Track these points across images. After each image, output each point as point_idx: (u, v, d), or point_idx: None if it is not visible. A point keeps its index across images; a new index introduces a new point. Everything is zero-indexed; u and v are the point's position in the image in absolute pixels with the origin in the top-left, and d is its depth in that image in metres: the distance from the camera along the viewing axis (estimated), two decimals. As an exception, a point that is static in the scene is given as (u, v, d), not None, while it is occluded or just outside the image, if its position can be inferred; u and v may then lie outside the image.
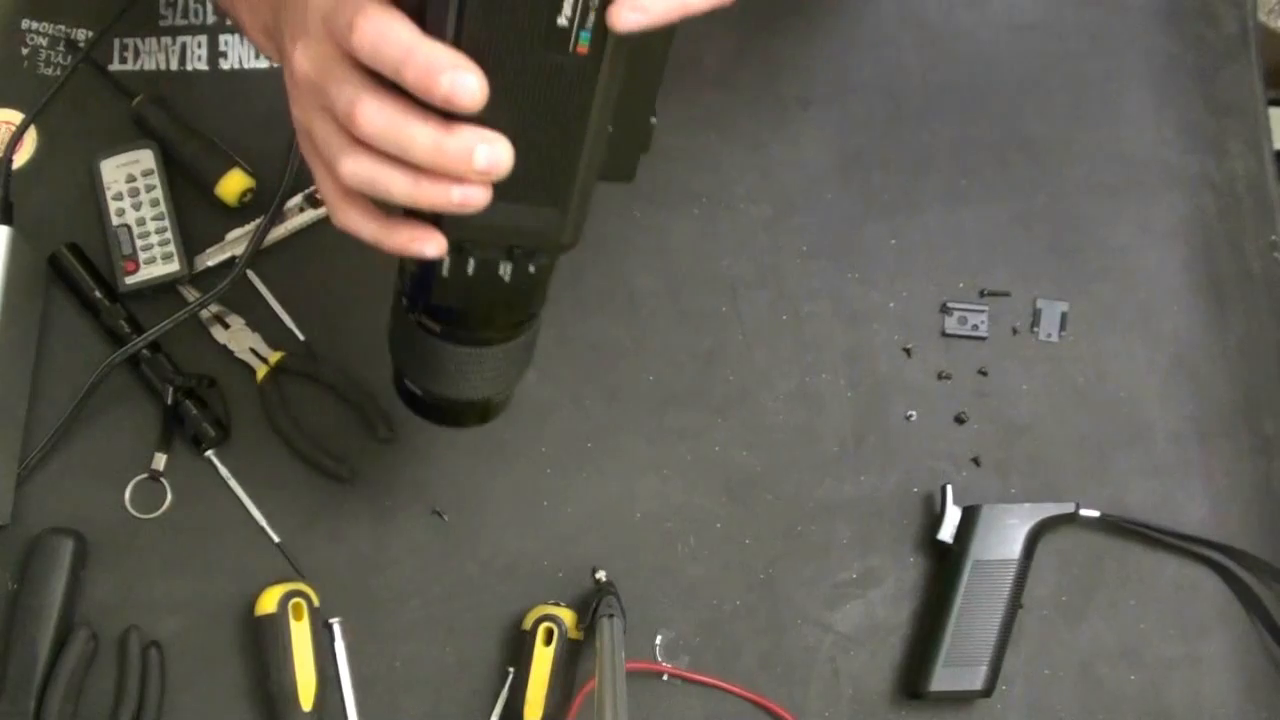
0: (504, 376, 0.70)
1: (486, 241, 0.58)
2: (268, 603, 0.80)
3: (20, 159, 0.88)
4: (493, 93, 0.49)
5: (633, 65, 0.53)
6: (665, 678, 0.83)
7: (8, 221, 0.82)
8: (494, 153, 0.51)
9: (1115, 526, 0.87)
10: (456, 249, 0.58)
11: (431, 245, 0.55)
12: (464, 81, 0.48)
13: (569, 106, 0.52)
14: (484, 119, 0.50)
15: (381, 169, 0.52)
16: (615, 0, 0.48)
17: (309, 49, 0.53)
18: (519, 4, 0.48)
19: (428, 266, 0.60)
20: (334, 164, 0.53)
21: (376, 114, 0.51)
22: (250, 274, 0.87)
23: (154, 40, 0.91)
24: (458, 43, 0.49)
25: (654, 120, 0.58)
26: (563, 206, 0.56)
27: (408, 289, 0.65)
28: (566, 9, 0.48)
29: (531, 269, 0.60)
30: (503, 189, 0.53)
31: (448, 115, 0.50)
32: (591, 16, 0.48)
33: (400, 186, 0.52)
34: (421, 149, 0.51)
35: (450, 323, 0.65)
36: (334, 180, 0.55)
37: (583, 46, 0.49)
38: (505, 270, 0.60)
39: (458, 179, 0.52)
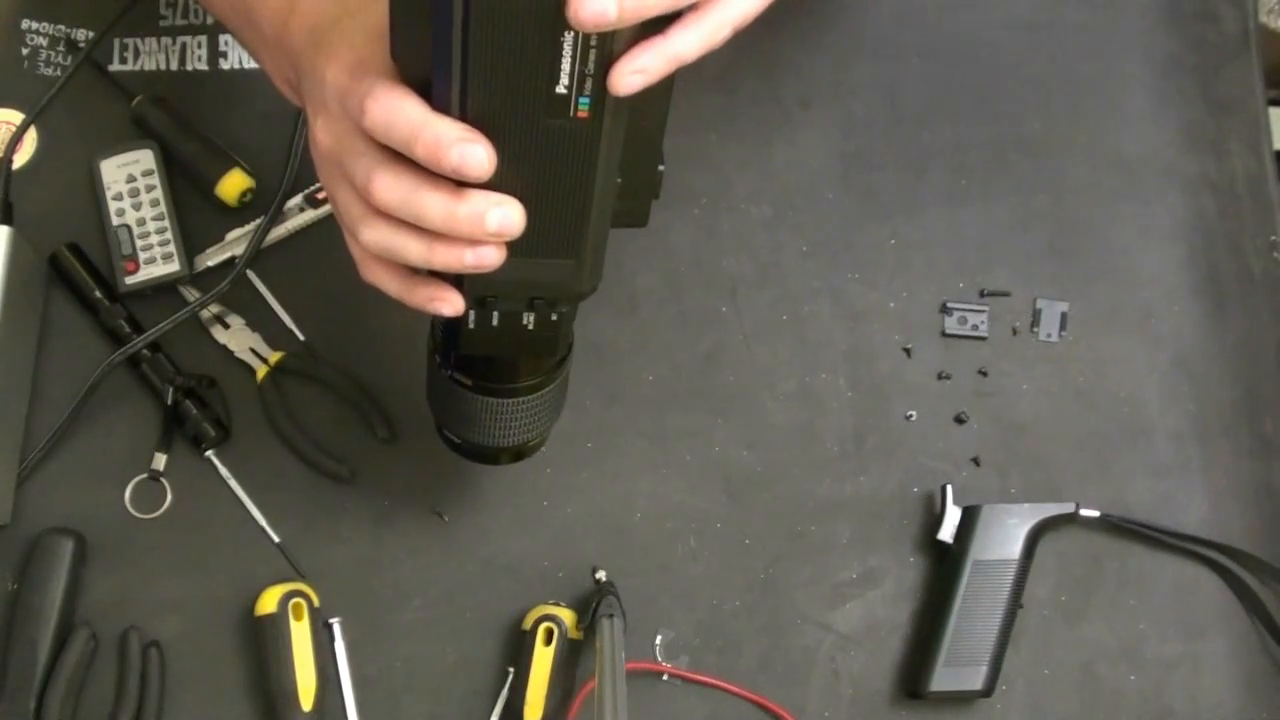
0: (538, 422, 0.72)
1: (507, 295, 0.60)
2: (268, 603, 0.80)
3: (20, 159, 0.88)
4: (500, 159, 0.51)
5: (635, 117, 0.54)
6: (665, 678, 0.83)
7: (8, 221, 0.83)
8: (505, 215, 0.53)
9: (1115, 526, 0.87)
10: (480, 303, 0.60)
11: (449, 305, 0.58)
12: (472, 153, 0.51)
13: (575, 166, 0.54)
14: (494, 184, 0.52)
15: (398, 236, 0.55)
16: (614, 67, 0.49)
17: (328, 125, 0.55)
18: (518, 77, 0.49)
19: (454, 321, 0.61)
20: (355, 231, 0.56)
21: (391, 187, 0.53)
22: (250, 274, 0.87)
23: (154, 40, 0.91)
24: (463, 115, 0.50)
25: (661, 168, 0.59)
26: (579, 258, 0.58)
27: (439, 344, 0.68)
28: (564, 80, 0.50)
29: (554, 317, 0.62)
30: (518, 246, 0.55)
31: (459, 183, 0.52)
32: (589, 84, 0.50)
33: (416, 252, 0.55)
34: (435, 216, 0.53)
35: (481, 375, 0.68)
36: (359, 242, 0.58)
37: (583, 111, 0.51)
38: (529, 320, 0.62)
39: (472, 242, 0.54)
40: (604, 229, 0.58)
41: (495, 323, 0.61)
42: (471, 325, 0.61)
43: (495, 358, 0.67)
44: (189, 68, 0.91)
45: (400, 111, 0.51)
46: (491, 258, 0.55)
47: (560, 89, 0.50)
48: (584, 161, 0.54)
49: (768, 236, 0.91)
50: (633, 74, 0.50)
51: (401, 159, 0.53)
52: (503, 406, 0.69)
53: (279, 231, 0.87)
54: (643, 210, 0.60)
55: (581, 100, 0.51)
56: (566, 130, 0.52)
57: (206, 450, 0.84)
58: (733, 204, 0.91)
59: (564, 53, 0.49)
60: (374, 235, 0.56)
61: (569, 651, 0.81)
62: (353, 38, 0.55)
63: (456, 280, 0.58)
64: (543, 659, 0.80)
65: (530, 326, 0.62)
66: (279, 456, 0.85)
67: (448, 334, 0.65)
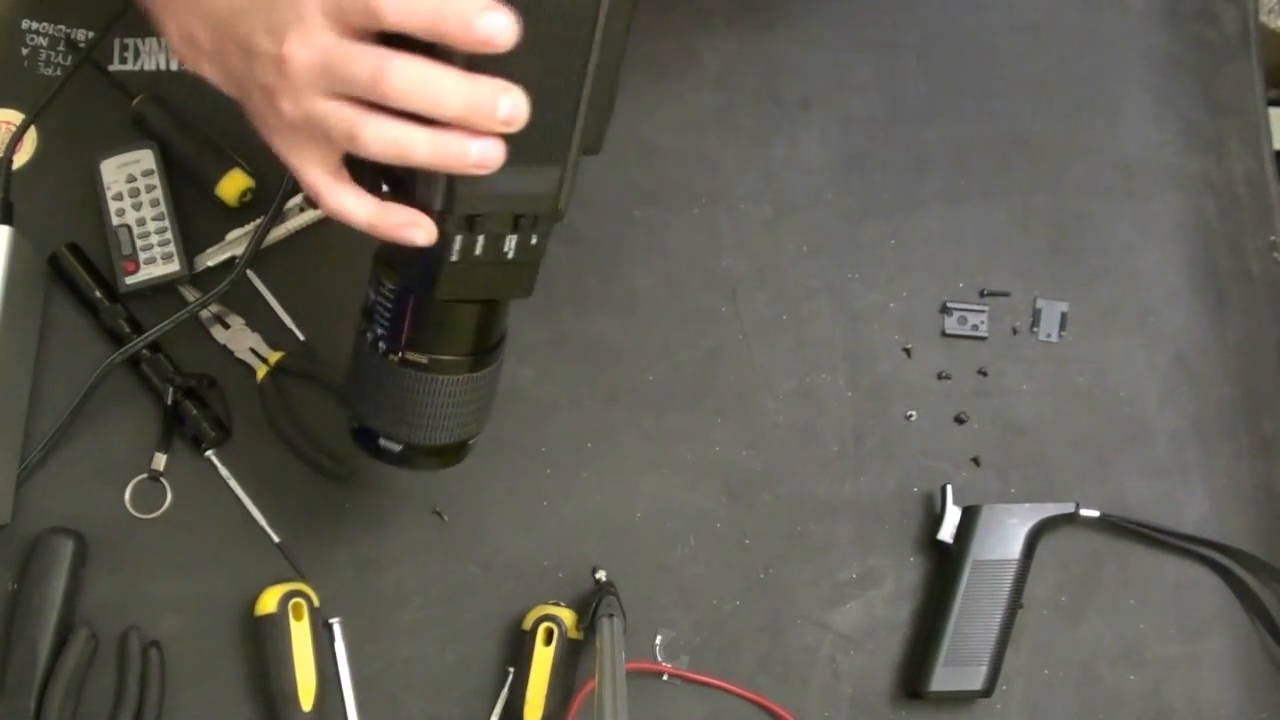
0: (487, 406, 0.71)
1: (496, 210, 0.59)
2: (268, 603, 0.80)
3: (20, 159, 0.88)
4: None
5: (607, 28, 0.56)
6: (665, 678, 0.83)
7: (8, 221, 0.83)
8: (514, 102, 0.54)
9: (1115, 526, 0.87)
10: (468, 225, 0.59)
11: (423, 232, 0.58)
12: (499, 21, 0.52)
13: (572, 53, 0.55)
14: (500, 72, 0.54)
15: (406, 130, 0.55)
16: None
17: (309, 37, 0.55)
18: None
19: (431, 263, 0.61)
20: (354, 137, 0.55)
21: (408, 70, 0.53)
22: (250, 274, 0.87)
23: (154, 40, 0.91)
24: None
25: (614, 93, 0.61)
26: (563, 164, 0.59)
27: (390, 322, 0.66)
28: None
29: (533, 240, 0.62)
30: (511, 151, 0.56)
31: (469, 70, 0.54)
32: None
33: (424, 146, 0.55)
34: (452, 100, 0.54)
35: (441, 348, 0.66)
36: (326, 166, 0.58)
37: None
38: (510, 247, 0.61)
39: (479, 133, 0.55)
40: (580, 142, 0.59)
41: (479, 251, 0.60)
42: (455, 256, 0.60)
43: (453, 325, 0.65)
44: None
45: None
46: (494, 154, 0.55)
47: None
48: (581, 46, 0.55)
49: (768, 236, 0.91)
50: None
51: (404, 49, 0.53)
52: (460, 385, 0.67)
53: (279, 231, 0.87)
54: (599, 135, 0.61)
55: None
56: (572, 10, 0.53)
57: (206, 450, 0.84)
58: (733, 204, 0.91)
59: None
60: (380, 131, 0.55)
61: (569, 651, 0.81)
62: None
63: (446, 200, 0.58)
64: (543, 659, 0.80)
65: (511, 255, 0.62)
66: (279, 456, 0.85)
67: (423, 279, 0.63)
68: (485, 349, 0.68)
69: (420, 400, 0.67)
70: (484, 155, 0.55)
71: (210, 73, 0.62)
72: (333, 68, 0.55)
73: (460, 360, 0.67)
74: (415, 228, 0.58)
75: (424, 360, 0.66)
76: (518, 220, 0.61)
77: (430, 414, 0.68)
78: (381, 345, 0.66)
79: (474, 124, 0.54)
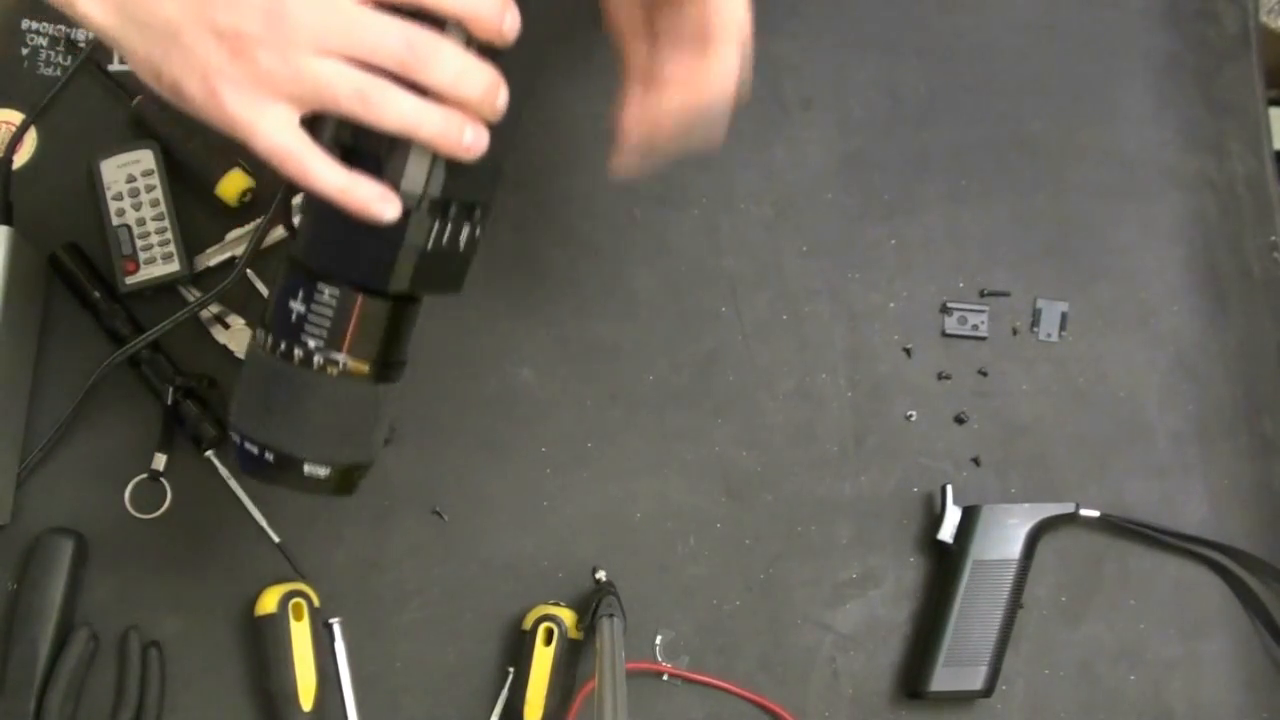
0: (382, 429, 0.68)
1: (462, 197, 0.60)
2: (268, 603, 0.80)
3: (20, 159, 0.88)
4: None
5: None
6: (665, 678, 0.83)
7: (8, 221, 0.82)
8: (505, 92, 0.57)
9: (1115, 526, 0.87)
10: (442, 209, 0.60)
11: (391, 206, 0.57)
12: (515, 18, 0.55)
13: (533, 58, 0.58)
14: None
15: (421, 103, 0.56)
16: None
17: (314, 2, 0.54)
18: None
19: (385, 253, 0.60)
20: (369, 102, 0.55)
21: (446, 49, 0.55)
22: (250, 274, 0.87)
23: (154, 40, 0.91)
24: None
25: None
26: (508, 154, 0.61)
27: (329, 333, 0.62)
28: None
29: (477, 233, 0.63)
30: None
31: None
32: None
33: (433, 123, 0.56)
34: (474, 81, 0.56)
35: (391, 344, 0.64)
36: (292, 127, 0.56)
37: None
38: (464, 236, 0.62)
39: (475, 116, 0.56)
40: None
41: (444, 240, 0.60)
42: (423, 242, 0.60)
43: (399, 327, 0.64)
44: (189, 68, 0.91)
45: None
46: (483, 140, 0.57)
47: None
48: (535, 51, 0.58)
49: (768, 236, 0.91)
50: None
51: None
52: (394, 394, 0.65)
53: (279, 231, 0.87)
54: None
55: None
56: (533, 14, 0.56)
57: (206, 450, 0.84)
58: (733, 204, 0.91)
59: None
60: (401, 101, 0.55)
61: (569, 651, 0.81)
62: None
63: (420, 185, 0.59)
64: (543, 659, 0.80)
65: (462, 247, 0.62)
66: (279, 456, 0.85)
67: (371, 276, 0.61)
68: (402, 360, 0.67)
69: (364, 414, 0.65)
70: (476, 140, 0.56)
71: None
72: (354, 31, 0.54)
73: (394, 368, 0.65)
74: (385, 203, 0.57)
75: (365, 369, 0.63)
76: (472, 210, 0.61)
77: (371, 427, 0.66)
78: (317, 359, 0.62)
79: (479, 108, 0.55)
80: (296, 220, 0.66)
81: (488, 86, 0.56)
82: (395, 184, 0.58)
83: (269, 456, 0.64)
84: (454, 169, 0.59)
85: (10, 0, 0.91)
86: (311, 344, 0.62)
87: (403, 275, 0.61)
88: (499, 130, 0.59)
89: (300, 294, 0.62)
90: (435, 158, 0.59)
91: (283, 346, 0.63)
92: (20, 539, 0.81)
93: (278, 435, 0.64)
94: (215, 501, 0.84)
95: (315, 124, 0.58)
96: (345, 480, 0.66)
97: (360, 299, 0.62)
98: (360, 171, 0.58)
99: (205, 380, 0.85)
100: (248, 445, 0.64)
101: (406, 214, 0.59)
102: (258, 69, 0.55)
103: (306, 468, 0.64)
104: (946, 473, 0.87)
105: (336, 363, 0.62)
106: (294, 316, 0.62)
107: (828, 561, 0.86)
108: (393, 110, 0.55)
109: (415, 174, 0.59)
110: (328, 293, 0.62)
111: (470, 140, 0.56)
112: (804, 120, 0.93)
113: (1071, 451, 0.89)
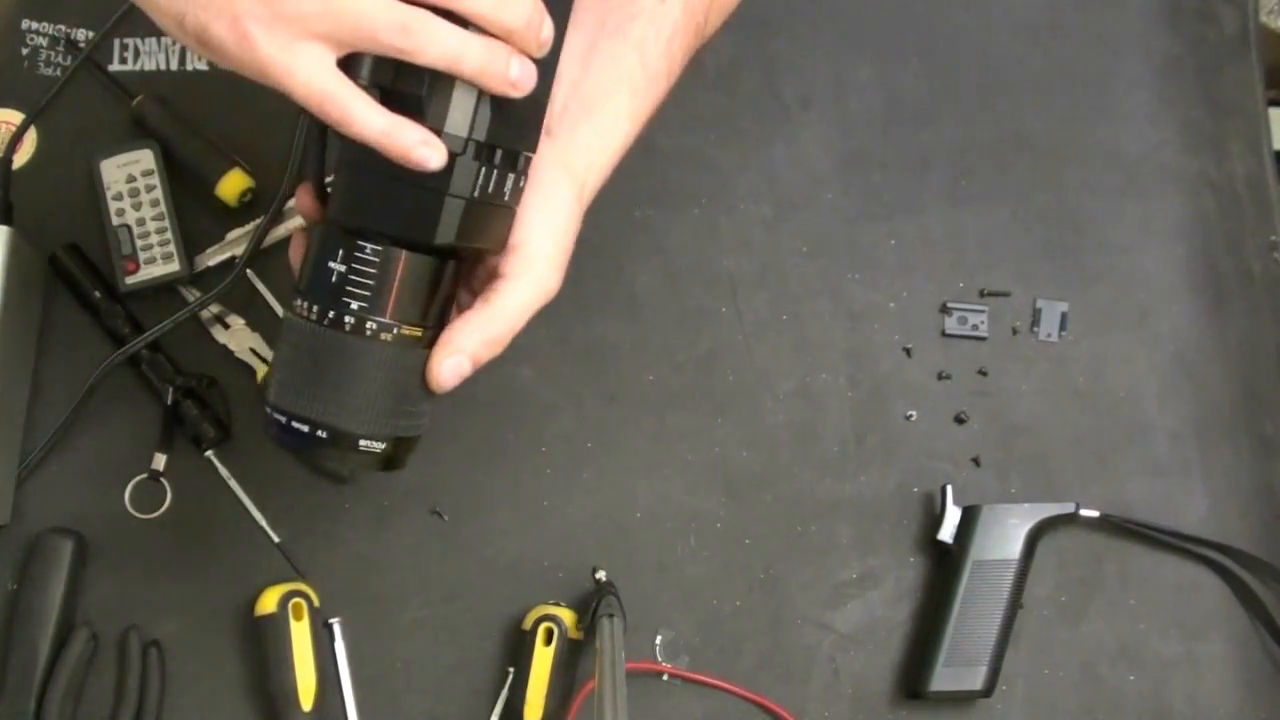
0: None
1: (507, 144, 0.58)
2: (268, 603, 0.80)
3: (20, 159, 0.88)
4: None
5: None
6: (665, 678, 0.83)
7: (8, 221, 0.82)
8: (550, 26, 0.55)
9: (1115, 526, 0.87)
10: (487, 156, 0.57)
11: (437, 154, 0.55)
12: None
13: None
14: None
15: (464, 35, 0.53)
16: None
17: None
18: None
19: (428, 204, 0.57)
20: (410, 34, 0.53)
21: None
22: (250, 274, 0.87)
23: (154, 40, 0.91)
24: None
25: None
26: (548, 105, 0.59)
27: (373, 294, 0.59)
28: None
29: (521, 184, 0.60)
30: None
31: None
32: None
33: (476, 56, 0.54)
34: (517, 9, 0.54)
35: (437, 306, 0.61)
36: (330, 69, 0.53)
37: None
38: (508, 186, 0.59)
39: (520, 48, 0.55)
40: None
41: (490, 188, 0.58)
42: (470, 190, 0.57)
43: (444, 286, 0.61)
44: (189, 68, 0.91)
45: None
46: (530, 76, 0.55)
47: None
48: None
49: (768, 236, 0.91)
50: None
51: None
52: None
53: (279, 231, 0.87)
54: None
55: None
56: None
57: (206, 450, 0.84)
58: (733, 204, 0.91)
59: None
60: (444, 34, 0.53)
61: (569, 651, 0.81)
62: None
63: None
64: (543, 659, 0.80)
65: (506, 198, 0.59)
66: (279, 457, 0.85)
67: (416, 227, 0.58)
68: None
69: (419, 382, 0.61)
70: (522, 74, 0.54)
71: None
72: None
73: (436, 329, 0.62)
74: (429, 148, 0.54)
75: (418, 334, 0.60)
76: (516, 159, 0.59)
77: (425, 395, 0.62)
78: (369, 325, 0.59)
79: (523, 40, 0.53)
80: (329, 184, 0.63)
81: (531, 14, 0.53)
82: (438, 127, 0.55)
83: (321, 434, 0.60)
84: (499, 110, 0.56)
85: (10, 0, 0.91)
86: (355, 305, 0.59)
87: (448, 227, 0.57)
88: (542, 69, 0.56)
89: (340, 254, 0.59)
90: (480, 97, 0.56)
91: (330, 315, 0.59)
92: (20, 539, 0.81)
93: (330, 409, 0.60)
94: (215, 501, 0.84)
95: (350, 66, 0.55)
96: (399, 454, 0.64)
97: (404, 256, 0.59)
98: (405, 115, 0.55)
99: (205, 380, 0.85)
100: (295, 424, 0.61)
101: (451, 160, 0.56)
102: (289, 7, 0.52)
103: (362, 443, 0.61)
104: (946, 473, 0.87)
105: (390, 328, 0.59)
106: (334, 278, 0.59)
107: (827, 561, 0.86)
108: (435, 42, 0.52)
109: (459, 116, 0.56)
110: (369, 249, 0.59)
111: (516, 74, 0.53)
112: (803, 120, 0.93)
113: (1071, 451, 0.89)
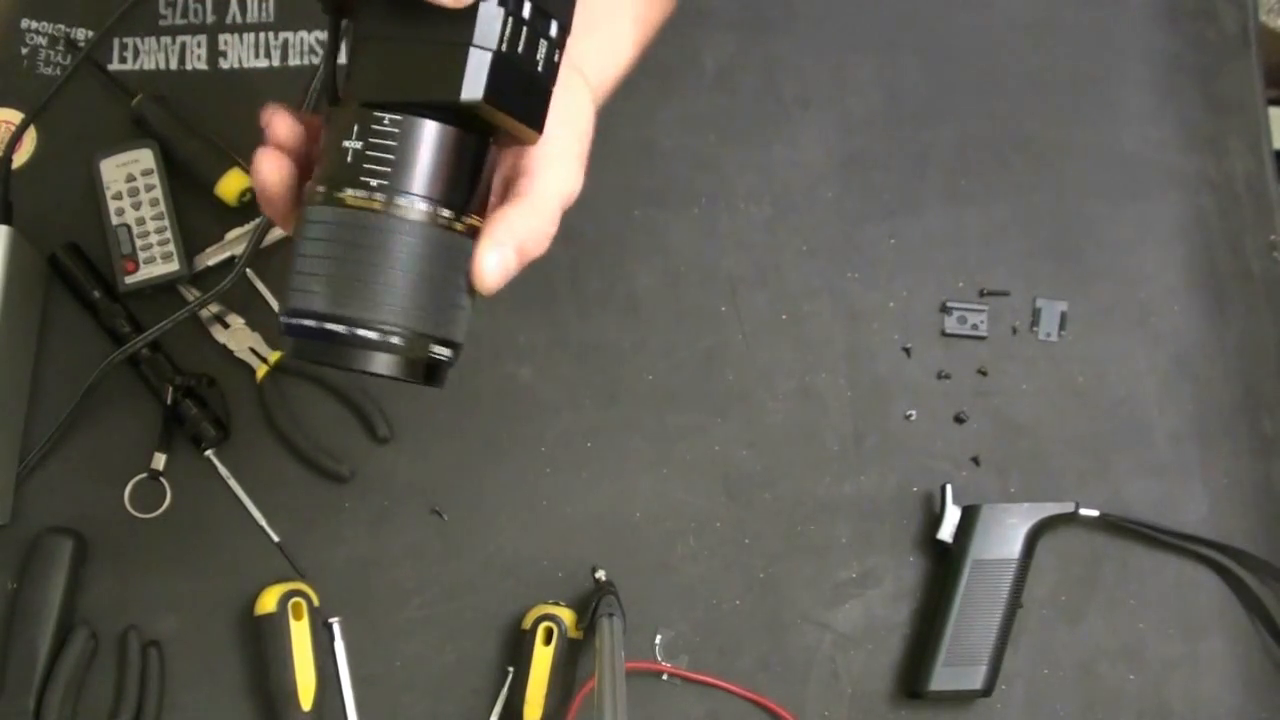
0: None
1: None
2: (268, 602, 0.80)
3: (20, 159, 0.88)
4: None
5: None
6: (665, 677, 0.83)
7: (8, 221, 0.83)
8: None
9: (1115, 526, 0.87)
10: (514, 4, 0.52)
11: None
12: None
13: None
14: None
15: None
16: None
17: None
18: None
19: (457, 59, 0.52)
20: None
21: None
22: (250, 274, 0.87)
23: (154, 40, 0.91)
24: None
25: None
26: None
27: (392, 163, 0.54)
28: None
29: (555, 58, 0.55)
30: None
31: None
32: None
33: None
34: None
35: (471, 186, 0.55)
36: None
37: None
38: (541, 52, 0.54)
39: None
40: None
41: (520, 46, 0.52)
42: (504, 44, 0.51)
43: (466, 156, 0.55)
44: (189, 67, 0.91)
45: None
46: None
47: None
48: None
49: (768, 236, 0.91)
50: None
51: None
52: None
53: (279, 231, 0.87)
54: None
55: None
56: None
57: (206, 450, 0.84)
58: (733, 204, 0.91)
59: None
60: None
61: (569, 651, 0.81)
62: None
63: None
64: (542, 658, 0.80)
65: (540, 67, 0.54)
66: (279, 456, 0.85)
67: (444, 86, 0.52)
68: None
69: (460, 272, 0.55)
70: None
71: None
72: None
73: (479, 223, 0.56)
74: None
75: (449, 214, 0.54)
76: (548, 22, 0.54)
77: (463, 290, 0.56)
78: (400, 201, 0.53)
79: None
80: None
81: None
82: None
83: (341, 329, 0.53)
84: None
85: (10, 0, 0.91)
86: (374, 182, 0.53)
87: (475, 82, 0.52)
88: None
89: (355, 130, 0.53)
90: None
91: (348, 193, 0.53)
92: (20, 539, 0.81)
93: (355, 301, 0.53)
94: (215, 501, 0.84)
95: None
96: (437, 365, 0.57)
97: (426, 124, 0.53)
98: None
99: (205, 380, 0.85)
100: (328, 325, 0.53)
101: (475, 6, 0.51)
102: None
103: (395, 339, 0.54)
104: (946, 472, 0.87)
105: (415, 202, 0.53)
106: (349, 156, 0.53)
107: (827, 561, 0.86)
108: None
109: None
110: (388, 119, 0.53)
111: None
112: (803, 120, 0.93)
113: (1071, 451, 0.89)
